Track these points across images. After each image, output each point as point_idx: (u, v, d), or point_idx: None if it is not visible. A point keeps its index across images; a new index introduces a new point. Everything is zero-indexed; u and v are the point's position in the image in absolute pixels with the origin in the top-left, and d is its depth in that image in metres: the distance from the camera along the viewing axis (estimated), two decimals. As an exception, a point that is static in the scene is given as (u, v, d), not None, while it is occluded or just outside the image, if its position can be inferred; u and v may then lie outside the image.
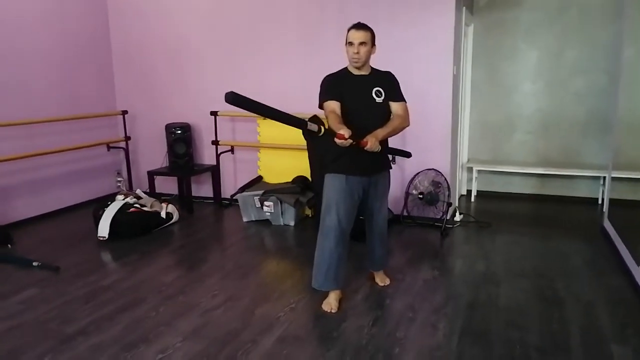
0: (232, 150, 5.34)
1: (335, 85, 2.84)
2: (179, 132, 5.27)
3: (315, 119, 3.35)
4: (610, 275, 3.47)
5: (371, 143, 2.67)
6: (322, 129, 2.59)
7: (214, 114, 5.15)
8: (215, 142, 5.24)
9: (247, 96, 2.29)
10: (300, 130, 2.69)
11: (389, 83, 2.96)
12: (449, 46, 4.41)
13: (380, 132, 2.74)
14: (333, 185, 2.90)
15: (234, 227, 4.76)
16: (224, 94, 2.21)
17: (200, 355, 2.52)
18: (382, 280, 3.35)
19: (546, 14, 5.30)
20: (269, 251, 4.26)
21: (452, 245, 4.22)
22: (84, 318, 2.93)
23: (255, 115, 4.93)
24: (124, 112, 5.59)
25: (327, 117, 2.79)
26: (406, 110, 2.94)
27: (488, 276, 3.51)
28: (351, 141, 2.57)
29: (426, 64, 4.46)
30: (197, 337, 2.71)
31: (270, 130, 4.97)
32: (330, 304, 2.98)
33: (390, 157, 3.18)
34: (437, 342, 2.64)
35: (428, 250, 4.09)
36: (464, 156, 5.65)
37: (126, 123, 5.61)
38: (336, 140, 2.58)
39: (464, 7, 4.76)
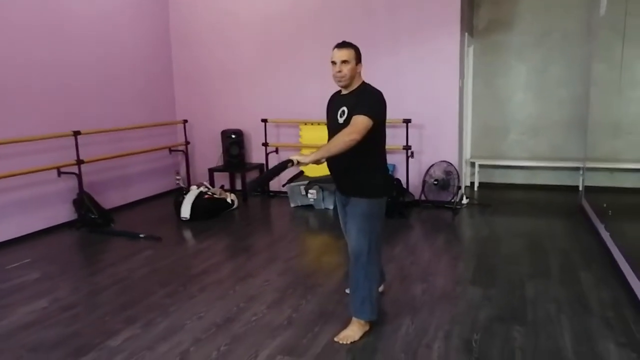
0: (276, 150, 6.47)
1: (327, 107, 2.97)
2: (233, 136, 6.40)
3: None
4: (583, 235, 4.61)
5: (301, 159, 2.62)
6: (295, 162, 2.60)
7: (264, 121, 6.30)
8: (265, 144, 6.38)
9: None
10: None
11: (357, 99, 2.71)
12: (456, 65, 5.59)
13: (317, 153, 2.59)
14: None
15: (284, 211, 5.86)
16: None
17: (293, 283, 3.62)
18: (344, 337, 2.76)
19: (533, 37, 6.48)
20: (316, 227, 5.37)
21: (461, 220, 5.34)
22: (198, 265, 4.03)
23: (296, 120, 6.18)
24: (185, 121, 6.75)
25: None
26: (360, 122, 2.58)
27: (491, 238, 4.64)
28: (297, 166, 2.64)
29: (438, 79, 5.63)
30: (286, 273, 3.82)
31: (310, 133, 6.10)
32: None
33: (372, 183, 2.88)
34: (457, 274, 3.76)
35: (443, 224, 5.20)
36: (467, 153, 6.79)
37: (186, 130, 6.76)
38: None
39: (466, 32, 5.94)
